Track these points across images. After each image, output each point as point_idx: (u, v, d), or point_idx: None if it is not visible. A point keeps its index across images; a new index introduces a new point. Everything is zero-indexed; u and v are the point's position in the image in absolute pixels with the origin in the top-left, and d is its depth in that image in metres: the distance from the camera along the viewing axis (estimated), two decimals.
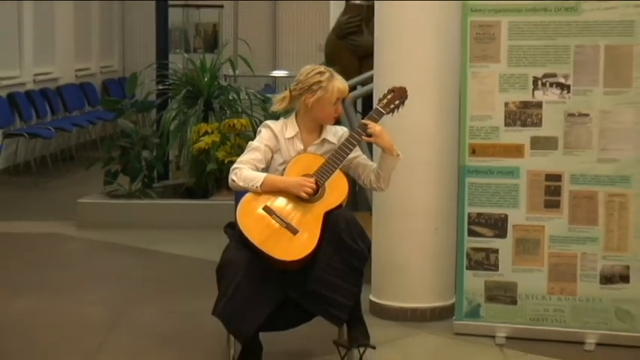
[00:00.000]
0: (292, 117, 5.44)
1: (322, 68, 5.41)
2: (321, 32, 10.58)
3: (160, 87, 10.58)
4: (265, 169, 5.30)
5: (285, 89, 5.70)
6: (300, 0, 16.82)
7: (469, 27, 5.99)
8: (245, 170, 5.21)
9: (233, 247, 5.20)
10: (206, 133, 9.16)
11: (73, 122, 14.04)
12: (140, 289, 7.18)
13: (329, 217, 5.16)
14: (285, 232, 5.11)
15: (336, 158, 5.25)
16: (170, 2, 11.37)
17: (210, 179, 9.27)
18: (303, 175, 5.22)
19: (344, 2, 9.60)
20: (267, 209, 5.15)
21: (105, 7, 17.14)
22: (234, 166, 5.28)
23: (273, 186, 5.19)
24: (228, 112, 9.68)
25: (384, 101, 5.44)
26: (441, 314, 6.30)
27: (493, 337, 5.96)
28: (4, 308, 6.66)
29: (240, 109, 9.75)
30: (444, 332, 6.10)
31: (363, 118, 5.58)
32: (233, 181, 5.22)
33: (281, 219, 5.14)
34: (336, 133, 5.42)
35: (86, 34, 16.28)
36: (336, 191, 5.25)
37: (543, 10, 5.87)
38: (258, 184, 5.17)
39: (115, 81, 16.60)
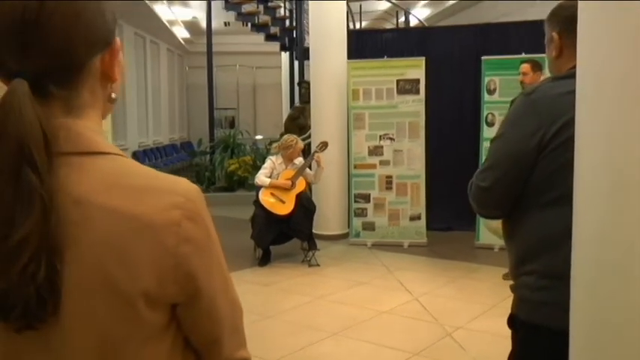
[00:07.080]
0: (280, 155, 5.32)
1: (292, 138, 5.27)
2: (279, 117, 10.39)
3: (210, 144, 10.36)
4: (270, 177, 5.18)
5: (270, 144, 5.60)
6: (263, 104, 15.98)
7: (352, 114, 5.95)
8: (262, 177, 5.12)
9: (258, 210, 5.12)
10: (232, 164, 8.99)
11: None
12: None
13: (299, 196, 5.11)
14: (280, 203, 5.05)
15: (300, 171, 5.20)
16: None
17: (235, 184, 9.10)
18: (286, 179, 5.15)
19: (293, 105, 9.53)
20: (272, 194, 5.08)
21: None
22: (257, 175, 5.17)
23: (274, 184, 5.11)
24: (241, 154, 9.51)
25: (318, 147, 5.40)
26: (343, 236, 6.18)
27: (366, 245, 5.92)
28: None
29: (246, 152, 9.60)
30: (345, 244, 6.03)
31: (307, 155, 5.51)
32: (256, 182, 5.13)
33: (278, 197, 5.07)
34: (298, 159, 5.31)
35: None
36: (301, 185, 5.18)
37: (381, 107, 5.89)
38: (267, 184, 5.09)
39: (184, 144, 15.56)
